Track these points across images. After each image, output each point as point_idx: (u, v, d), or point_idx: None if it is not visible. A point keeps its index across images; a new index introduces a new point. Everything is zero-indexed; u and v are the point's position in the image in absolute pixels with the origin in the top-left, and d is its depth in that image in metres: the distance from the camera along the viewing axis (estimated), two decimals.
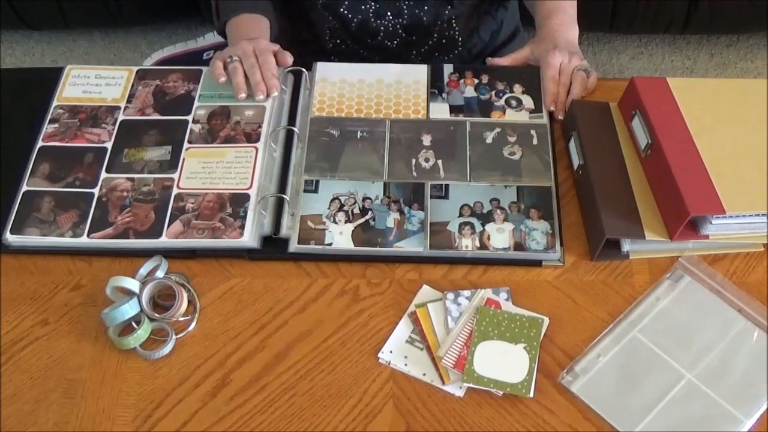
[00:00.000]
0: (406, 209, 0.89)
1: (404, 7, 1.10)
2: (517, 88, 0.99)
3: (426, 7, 1.10)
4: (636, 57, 1.94)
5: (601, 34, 1.94)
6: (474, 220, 0.87)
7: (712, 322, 0.81)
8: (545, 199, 0.88)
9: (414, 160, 0.92)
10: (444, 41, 1.16)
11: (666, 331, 0.80)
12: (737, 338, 0.80)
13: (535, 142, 0.94)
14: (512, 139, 0.94)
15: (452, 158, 0.92)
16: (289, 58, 1.01)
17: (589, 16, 1.77)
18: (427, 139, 0.94)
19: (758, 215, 0.82)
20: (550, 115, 0.98)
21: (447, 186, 0.90)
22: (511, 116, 0.97)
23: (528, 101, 0.98)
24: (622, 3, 1.73)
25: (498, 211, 0.88)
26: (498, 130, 0.95)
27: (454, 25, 1.14)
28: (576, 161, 0.93)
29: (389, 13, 1.11)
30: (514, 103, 0.98)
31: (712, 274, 0.84)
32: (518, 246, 0.85)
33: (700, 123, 0.87)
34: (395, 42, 1.14)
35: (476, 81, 1.00)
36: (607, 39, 1.95)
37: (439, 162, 0.92)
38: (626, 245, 0.86)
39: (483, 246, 0.85)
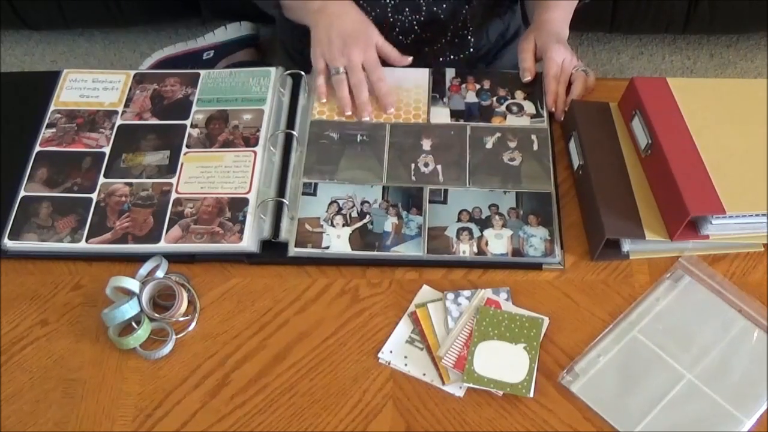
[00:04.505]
0: (404, 214, 0.88)
1: (423, 3, 1.09)
2: (519, 95, 0.99)
3: (444, 5, 1.09)
4: (636, 57, 1.93)
5: (601, 34, 1.93)
6: (472, 226, 0.87)
7: (712, 322, 0.81)
8: (545, 205, 0.88)
9: (413, 165, 0.92)
10: (456, 41, 1.15)
11: (666, 331, 0.80)
12: (737, 338, 0.80)
13: (535, 147, 0.93)
14: (512, 145, 0.94)
15: (452, 163, 0.92)
16: (405, 59, 0.99)
17: (589, 16, 1.77)
18: (427, 144, 0.94)
19: (758, 215, 0.82)
20: (551, 116, 0.97)
21: (446, 191, 0.90)
22: (512, 121, 0.96)
23: (529, 107, 0.98)
24: (622, 3, 1.73)
25: (497, 216, 0.87)
26: (498, 135, 0.94)
27: (469, 25, 1.14)
28: (576, 161, 0.93)
29: (407, 9, 1.10)
30: (515, 109, 0.97)
31: (712, 274, 0.84)
32: (516, 252, 0.85)
33: (700, 123, 0.87)
34: (409, 38, 1.13)
35: (478, 86, 1.00)
36: (607, 39, 1.95)
37: (439, 167, 0.92)
38: (626, 245, 0.86)
39: (481, 251, 0.85)
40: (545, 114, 0.97)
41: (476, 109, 0.98)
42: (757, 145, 0.86)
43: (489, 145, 0.94)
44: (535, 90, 0.99)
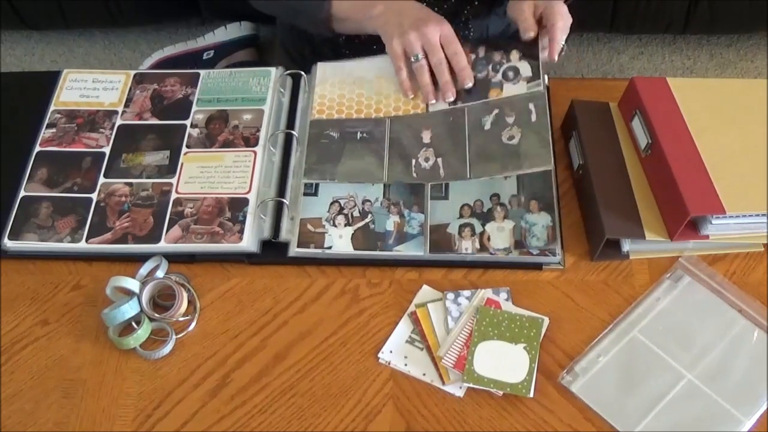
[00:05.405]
0: (405, 212, 0.88)
1: (424, 3, 1.08)
2: (515, 56, 0.96)
3: (446, 5, 1.09)
4: (636, 57, 1.93)
5: (601, 34, 1.93)
6: (474, 221, 0.87)
7: (712, 322, 0.81)
8: (545, 186, 0.86)
9: (414, 161, 0.92)
10: None
11: (666, 331, 0.80)
12: (737, 338, 0.80)
13: (533, 118, 0.91)
14: (510, 120, 0.91)
15: (452, 154, 0.91)
16: None
17: (589, 16, 1.77)
18: (426, 136, 0.93)
19: (758, 215, 0.82)
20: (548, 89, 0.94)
21: (447, 185, 0.90)
22: (509, 90, 0.94)
23: (525, 69, 0.95)
24: (622, 3, 1.73)
25: (498, 208, 0.87)
26: (496, 111, 0.92)
27: (470, 25, 1.13)
28: (576, 161, 0.93)
29: None
30: (511, 74, 0.95)
31: (712, 274, 0.84)
32: (519, 244, 0.85)
33: (700, 123, 0.87)
34: None
35: (473, 56, 0.97)
36: (607, 39, 1.95)
37: (439, 160, 0.91)
38: (626, 245, 0.86)
39: (483, 247, 0.85)
40: (541, 74, 0.93)
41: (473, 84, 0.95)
42: (757, 145, 0.86)
43: (487, 126, 0.92)
44: (530, 47, 0.95)
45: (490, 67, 0.96)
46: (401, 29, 0.95)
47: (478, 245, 0.85)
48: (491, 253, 0.85)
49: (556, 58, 0.93)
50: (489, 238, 0.85)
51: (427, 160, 0.91)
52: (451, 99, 0.95)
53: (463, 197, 0.88)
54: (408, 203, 0.89)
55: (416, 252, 0.85)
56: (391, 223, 0.88)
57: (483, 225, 0.86)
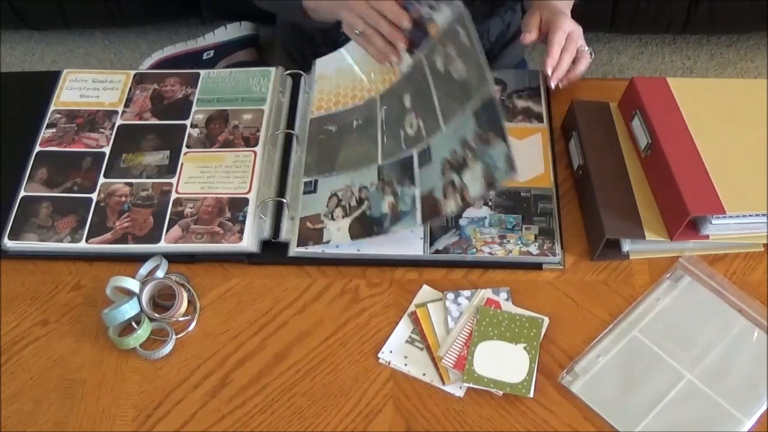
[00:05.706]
0: (399, 189, 0.87)
1: None
2: None
3: None
4: (636, 57, 1.93)
5: (601, 34, 1.93)
6: (454, 176, 0.83)
7: (712, 322, 0.81)
8: (492, 113, 0.81)
9: (403, 133, 0.90)
10: None
11: (666, 331, 0.80)
12: (737, 338, 0.80)
13: (465, 39, 0.85)
14: (453, 53, 0.87)
15: (426, 111, 0.89)
16: None
17: (589, 16, 1.77)
18: (407, 100, 0.92)
19: (758, 215, 0.82)
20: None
21: (429, 148, 0.87)
22: (440, 21, 0.89)
23: None
24: (622, 3, 1.73)
25: (468, 152, 0.82)
26: (441, 48, 0.89)
27: None
28: (576, 161, 0.93)
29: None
30: (434, 3, 0.90)
31: (712, 274, 0.84)
32: (490, 183, 0.79)
33: (700, 123, 0.87)
34: None
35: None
36: (607, 39, 1.95)
37: (420, 122, 0.89)
38: (626, 245, 0.86)
39: (465, 201, 0.81)
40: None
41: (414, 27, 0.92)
42: (757, 145, 0.86)
43: (440, 67, 0.88)
44: None
45: (416, 2, 0.91)
46: (339, 14, 0.94)
47: (460, 201, 0.81)
48: (471, 205, 0.83)
49: (548, 71, 0.94)
50: (467, 189, 0.81)
51: (411, 125, 0.90)
52: (403, 47, 0.92)
53: (443, 152, 0.85)
54: (400, 179, 0.87)
55: (410, 227, 0.84)
56: (385, 205, 0.87)
57: (461, 177, 0.82)
